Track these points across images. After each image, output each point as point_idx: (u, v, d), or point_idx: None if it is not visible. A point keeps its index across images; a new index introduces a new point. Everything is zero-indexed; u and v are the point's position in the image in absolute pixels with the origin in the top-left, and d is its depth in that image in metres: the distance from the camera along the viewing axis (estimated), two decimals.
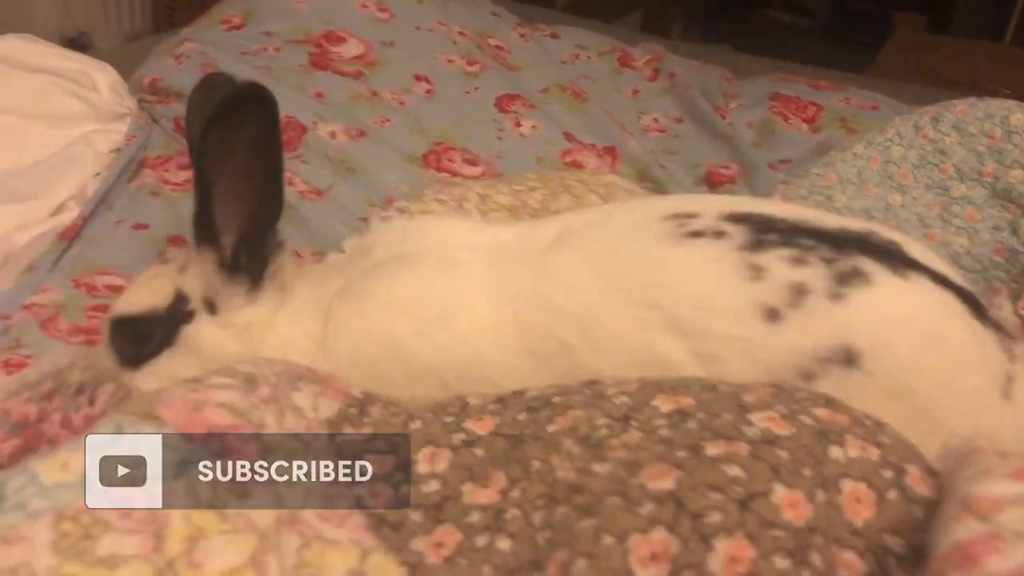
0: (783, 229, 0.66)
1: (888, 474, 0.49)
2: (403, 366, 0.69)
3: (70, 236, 1.15)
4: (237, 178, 0.68)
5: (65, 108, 1.37)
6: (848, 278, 0.63)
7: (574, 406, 0.54)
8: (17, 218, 1.19)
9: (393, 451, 0.51)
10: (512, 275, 0.71)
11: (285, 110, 1.43)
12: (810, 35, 4.20)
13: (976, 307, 0.65)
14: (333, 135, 1.43)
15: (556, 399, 0.56)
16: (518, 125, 1.56)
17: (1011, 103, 1.31)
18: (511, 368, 0.67)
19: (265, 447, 0.46)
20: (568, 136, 1.54)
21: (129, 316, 0.74)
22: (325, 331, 0.72)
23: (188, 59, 1.54)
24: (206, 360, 0.71)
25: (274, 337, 0.74)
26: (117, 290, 1.07)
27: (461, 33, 1.76)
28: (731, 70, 1.92)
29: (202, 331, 0.73)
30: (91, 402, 0.61)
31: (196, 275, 0.74)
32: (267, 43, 1.61)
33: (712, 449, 0.46)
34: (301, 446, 0.48)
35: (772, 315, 0.62)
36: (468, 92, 1.62)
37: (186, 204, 1.28)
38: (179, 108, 1.47)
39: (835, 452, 0.49)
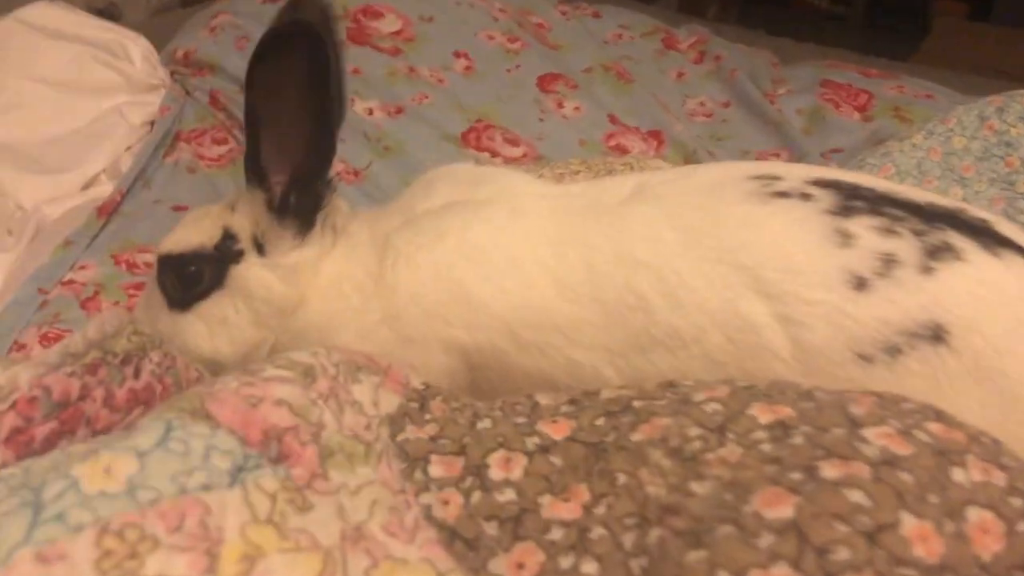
0: (871, 197, 0.63)
1: (1017, 502, 0.43)
2: (467, 311, 0.66)
3: (108, 212, 1.11)
4: (286, 118, 0.65)
5: (98, 78, 1.33)
6: (939, 252, 0.59)
7: (659, 412, 0.49)
8: (49, 190, 1.15)
9: (462, 452, 0.46)
10: (583, 225, 0.67)
11: None
12: (847, 22, 4.09)
13: None
14: (370, 112, 1.38)
15: (636, 403, 0.51)
16: (560, 106, 1.50)
17: None
18: (580, 320, 0.64)
19: (325, 450, 0.42)
20: (612, 119, 1.49)
21: (176, 254, 0.71)
22: (382, 265, 0.69)
23: (222, 32, 1.50)
24: (255, 302, 0.70)
25: (326, 276, 0.71)
26: None
27: (502, 10, 1.70)
28: (773, 55, 1.86)
29: (251, 272, 0.70)
30: (136, 374, 0.55)
31: (245, 214, 0.71)
32: None
33: (829, 470, 0.41)
34: (363, 448, 0.44)
35: (860, 283, 0.59)
36: (509, 70, 1.57)
37: (222, 180, 1.24)
38: (213, 81, 1.43)
39: (958, 475, 0.44)
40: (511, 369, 0.66)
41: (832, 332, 0.58)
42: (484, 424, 0.49)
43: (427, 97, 1.45)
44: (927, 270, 0.58)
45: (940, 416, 0.49)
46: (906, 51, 2.88)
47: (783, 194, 0.63)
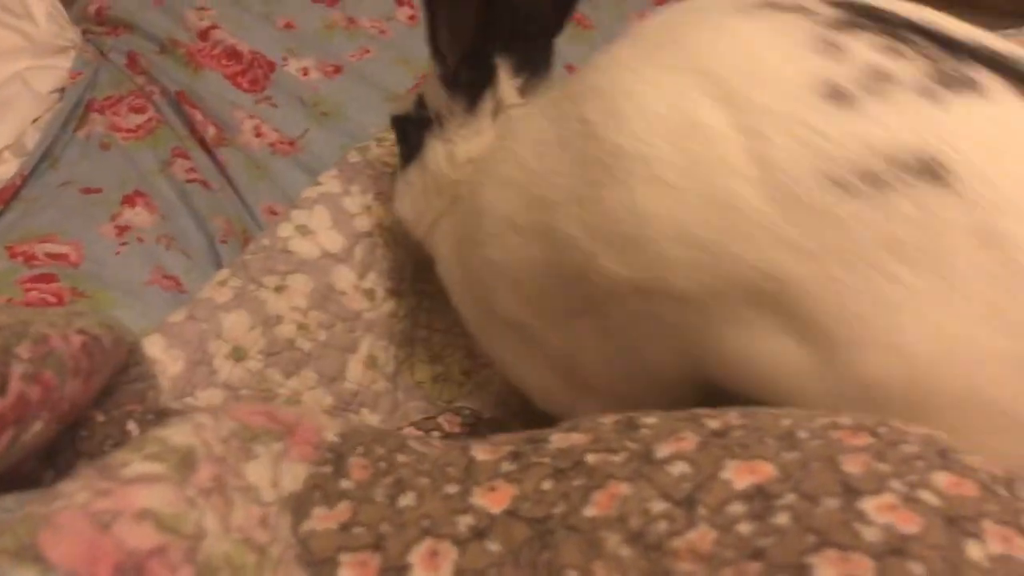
0: (891, 21, 0.51)
1: None
2: None
3: (6, 198, 1.00)
4: None
5: None
6: (954, 82, 0.48)
7: (616, 475, 0.41)
8: None
9: (379, 547, 0.38)
10: None
11: (250, 44, 1.27)
12: None
13: None
14: (305, 72, 1.26)
15: (591, 458, 0.43)
16: None
17: None
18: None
19: (205, 570, 0.33)
20: (571, 70, 1.38)
21: (395, 116, 0.80)
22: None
23: None
24: (427, 176, 0.74)
25: (503, 158, 0.67)
26: (60, 258, 0.93)
27: None
28: None
29: (431, 143, 0.73)
30: (2, 389, 0.46)
31: (431, 84, 0.74)
32: None
33: (825, 569, 0.33)
34: (255, 559, 0.35)
35: (839, 97, 0.48)
36: None
37: (140, 154, 1.13)
38: (130, 40, 1.30)
39: (973, 550, 0.36)
40: None
41: (797, 149, 0.48)
42: (407, 500, 0.40)
43: (368, 52, 1.33)
44: (931, 95, 0.47)
45: (945, 458, 0.42)
46: None
47: (776, 6, 0.53)
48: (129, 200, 1.03)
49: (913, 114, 0.47)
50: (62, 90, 1.19)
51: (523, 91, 0.71)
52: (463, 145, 0.72)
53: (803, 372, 0.50)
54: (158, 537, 0.33)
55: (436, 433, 0.83)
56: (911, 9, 0.53)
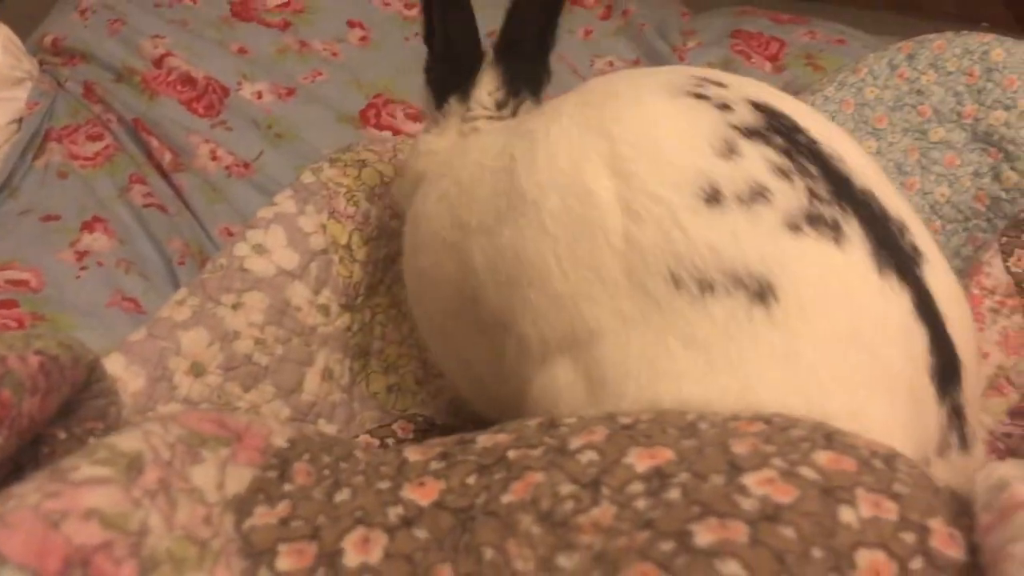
0: (798, 142, 0.54)
1: (909, 537, 0.41)
2: None
3: None
4: None
5: None
6: (820, 223, 0.51)
7: (533, 467, 0.45)
8: None
9: (315, 536, 0.42)
10: None
11: (205, 69, 1.31)
12: None
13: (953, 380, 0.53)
14: (259, 95, 1.29)
15: (512, 454, 0.47)
16: None
17: (990, 37, 1.21)
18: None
19: (148, 563, 0.37)
20: None
21: None
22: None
23: (95, 14, 1.39)
24: (411, 159, 0.79)
25: (446, 173, 0.71)
26: (20, 284, 0.96)
27: None
28: (686, 2, 1.81)
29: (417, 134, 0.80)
30: None
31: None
32: None
33: (704, 535, 0.38)
34: (196, 551, 0.39)
35: (713, 198, 0.51)
36: (407, 39, 1.49)
37: (98, 181, 1.16)
38: (86, 70, 1.33)
39: (846, 515, 0.41)
40: None
41: (660, 239, 0.52)
42: (342, 496, 0.44)
43: (321, 74, 1.37)
44: (795, 229, 0.50)
45: (830, 440, 0.47)
46: None
47: (701, 96, 0.56)
48: (88, 226, 1.06)
49: (770, 240, 0.50)
50: (20, 121, 1.22)
51: (501, 105, 0.74)
52: (424, 137, 0.76)
53: (578, 405, 0.55)
54: (104, 534, 0.36)
55: (391, 440, 0.86)
56: (824, 134, 0.56)
